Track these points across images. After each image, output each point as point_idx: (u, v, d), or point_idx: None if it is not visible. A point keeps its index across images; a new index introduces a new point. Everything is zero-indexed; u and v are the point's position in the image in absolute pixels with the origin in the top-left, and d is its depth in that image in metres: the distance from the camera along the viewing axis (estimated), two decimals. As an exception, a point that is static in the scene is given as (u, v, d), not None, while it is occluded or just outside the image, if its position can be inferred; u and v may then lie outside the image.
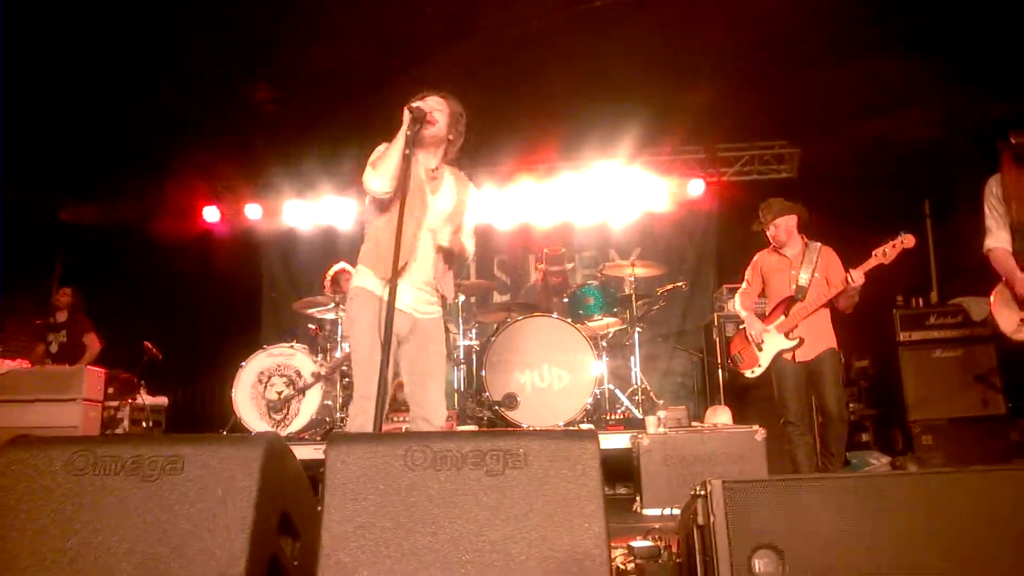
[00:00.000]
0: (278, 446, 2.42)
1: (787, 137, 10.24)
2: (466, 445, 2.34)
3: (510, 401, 6.74)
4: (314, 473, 2.52)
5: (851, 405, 7.79)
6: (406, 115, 4.00)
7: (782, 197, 5.98)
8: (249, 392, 7.08)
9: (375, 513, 2.22)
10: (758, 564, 2.22)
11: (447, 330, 7.09)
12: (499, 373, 6.90)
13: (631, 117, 9.09)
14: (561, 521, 2.24)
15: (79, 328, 8.56)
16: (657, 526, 3.13)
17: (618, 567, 2.84)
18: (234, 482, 2.23)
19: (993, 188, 4.91)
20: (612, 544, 2.25)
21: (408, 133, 3.94)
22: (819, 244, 5.81)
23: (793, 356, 5.63)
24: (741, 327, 5.99)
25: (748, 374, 5.87)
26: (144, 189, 10.03)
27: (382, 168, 4.00)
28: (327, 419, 7.18)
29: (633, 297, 7.56)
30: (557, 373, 6.87)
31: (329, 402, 7.18)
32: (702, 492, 2.33)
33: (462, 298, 7.44)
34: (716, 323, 7.94)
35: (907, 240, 5.35)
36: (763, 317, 5.89)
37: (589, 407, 6.84)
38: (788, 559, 2.21)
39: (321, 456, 2.30)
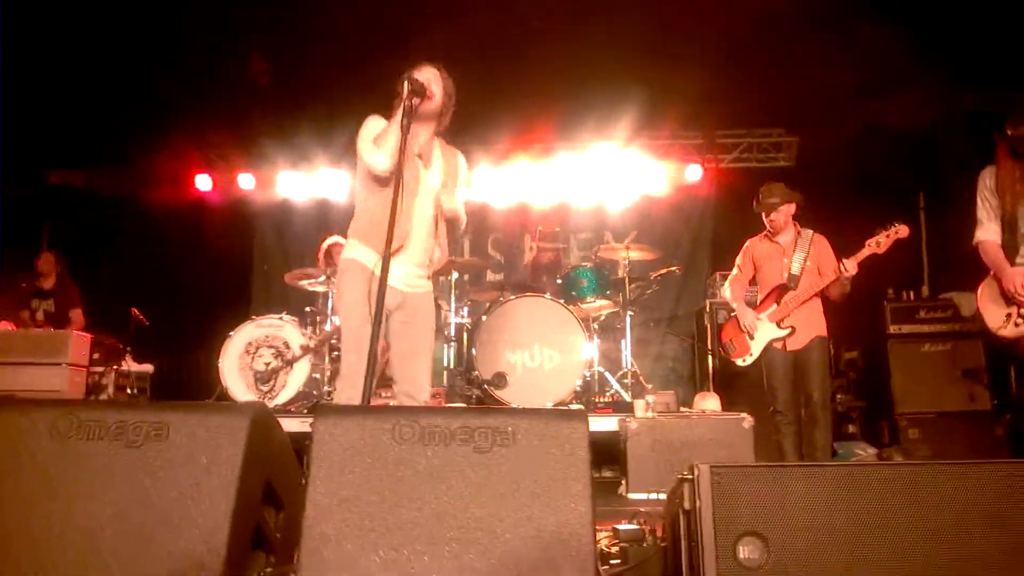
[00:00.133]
0: (264, 416, 2.41)
1: (785, 126, 10.23)
2: (455, 421, 2.33)
3: (500, 380, 6.73)
4: (299, 446, 2.50)
5: (839, 396, 7.82)
6: (405, 86, 3.96)
7: (782, 183, 5.95)
8: (236, 362, 7.05)
9: (361, 486, 2.21)
10: (743, 550, 2.21)
11: (438, 306, 7.11)
12: (490, 352, 6.88)
13: (629, 99, 9.04)
14: (547, 500, 2.23)
15: (67, 300, 8.49)
16: (643, 510, 3.12)
17: (602, 549, 2.84)
18: (219, 451, 2.22)
19: (987, 180, 4.84)
20: (597, 526, 2.25)
21: (406, 104, 3.90)
22: (811, 232, 5.79)
23: (784, 345, 5.61)
24: (733, 314, 5.97)
25: (739, 362, 5.84)
26: (136, 155, 9.96)
27: (385, 145, 3.96)
28: (314, 392, 7.16)
29: (627, 280, 7.55)
30: (548, 354, 6.86)
31: (317, 375, 7.17)
32: (689, 476, 2.32)
33: (455, 275, 7.42)
34: (708, 309, 7.94)
35: (901, 230, 5.34)
36: (754, 305, 5.88)
37: (579, 389, 6.83)
38: (773, 546, 2.21)
39: (307, 429, 2.29)
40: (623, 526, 2.89)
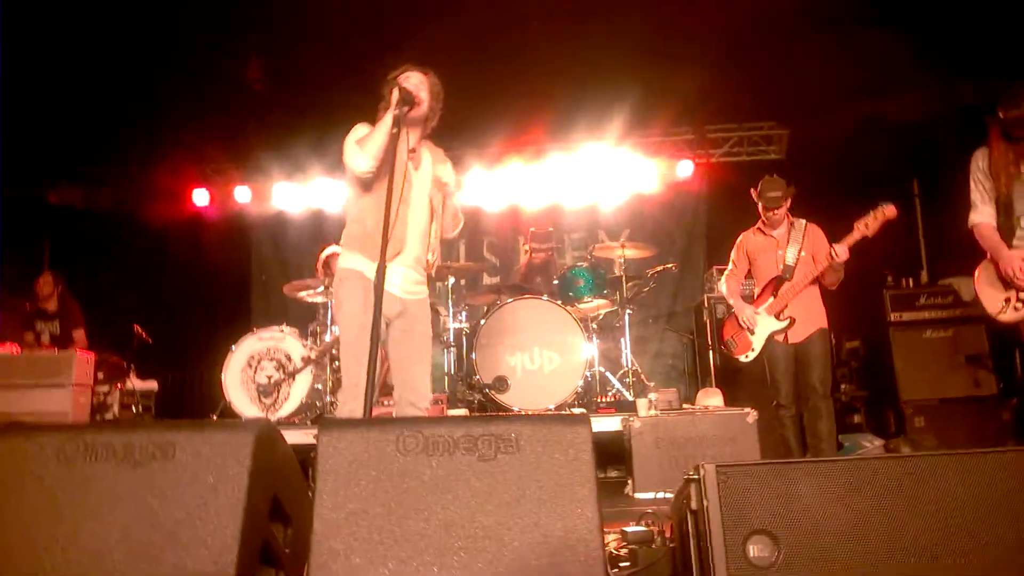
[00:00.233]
0: (269, 432, 2.41)
1: (775, 118, 10.24)
2: (458, 430, 2.33)
3: (501, 384, 6.73)
4: (304, 457, 2.51)
5: (842, 386, 7.82)
6: (393, 95, 3.96)
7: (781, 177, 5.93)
8: (239, 376, 7.05)
9: (367, 499, 2.21)
10: (753, 549, 2.21)
11: (436, 312, 7.11)
12: (489, 356, 6.88)
13: (620, 99, 9.06)
14: (554, 506, 2.23)
15: (70, 320, 8.47)
16: (650, 510, 3.13)
17: (611, 552, 2.84)
18: (225, 468, 2.22)
19: (980, 162, 4.84)
20: (605, 529, 2.25)
21: (396, 113, 3.90)
22: (804, 221, 5.78)
23: (785, 337, 5.61)
24: (731, 312, 5.95)
25: (742, 359, 5.83)
26: (133, 171, 9.99)
27: (368, 147, 3.97)
28: (317, 403, 7.15)
29: (623, 279, 7.54)
30: (548, 355, 6.86)
31: (319, 386, 7.16)
32: (695, 476, 2.33)
33: (451, 280, 7.42)
34: (706, 304, 7.95)
35: (888, 210, 5.31)
36: (751, 299, 5.87)
37: (580, 390, 6.83)
38: (783, 544, 2.21)
39: (312, 440, 2.29)
40: (631, 528, 2.90)
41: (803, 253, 5.64)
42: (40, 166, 9.36)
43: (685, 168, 10.18)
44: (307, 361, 6.97)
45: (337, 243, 7.24)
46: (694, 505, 2.32)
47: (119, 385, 8.03)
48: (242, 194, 10.62)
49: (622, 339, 7.59)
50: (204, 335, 9.17)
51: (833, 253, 5.38)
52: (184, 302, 9.98)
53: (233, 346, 7.14)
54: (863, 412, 7.84)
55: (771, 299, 5.69)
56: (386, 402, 6.48)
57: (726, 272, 6.09)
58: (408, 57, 4.30)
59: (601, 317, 7.64)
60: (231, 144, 10.35)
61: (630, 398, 6.89)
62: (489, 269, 10.46)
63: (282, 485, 2.45)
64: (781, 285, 5.66)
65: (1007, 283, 4.72)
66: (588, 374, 6.94)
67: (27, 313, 8.48)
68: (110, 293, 9.34)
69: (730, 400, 6.50)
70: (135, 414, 8.11)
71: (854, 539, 2.22)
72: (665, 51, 7.88)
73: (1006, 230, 4.74)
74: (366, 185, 4.11)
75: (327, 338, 7.33)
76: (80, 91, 8.10)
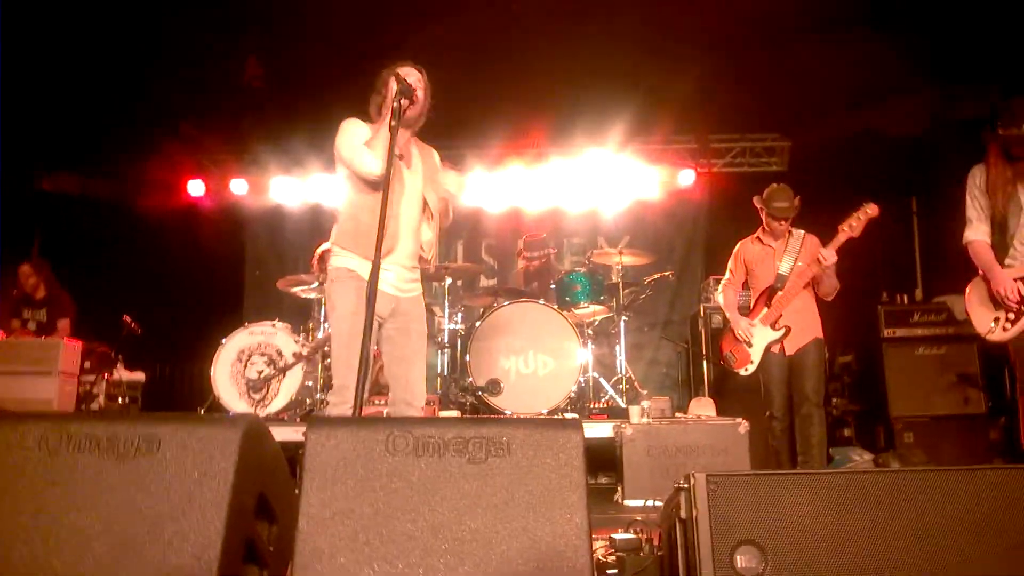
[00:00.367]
0: (257, 428, 2.39)
1: (778, 130, 10.25)
2: (448, 432, 2.31)
3: (494, 387, 6.71)
4: (292, 455, 2.48)
5: (834, 400, 7.82)
6: (392, 86, 3.93)
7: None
8: (229, 370, 7.01)
9: (354, 498, 2.19)
10: (740, 560, 2.20)
11: (431, 312, 7.09)
12: (483, 358, 6.87)
13: (622, 104, 9.06)
14: (543, 511, 2.21)
15: (57, 309, 8.39)
16: (639, 518, 3.11)
17: (599, 559, 2.82)
18: (211, 463, 2.20)
19: (977, 179, 4.81)
20: (593, 535, 2.23)
21: (395, 106, 3.87)
22: (803, 232, 5.74)
23: (781, 348, 5.58)
24: (729, 325, 5.90)
25: (742, 372, 5.76)
26: (129, 160, 9.95)
27: (377, 148, 3.94)
28: (307, 400, 7.13)
29: (620, 285, 7.53)
30: (542, 360, 6.85)
31: (310, 383, 7.14)
32: (685, 485, 2.31)
33: (448, 281, 7.40)
34: (703, 314, 7.94)
35: (871, 209, 5.29)
36: (747, 311, 5.85)
37: (573, 395, 6.82)
38: (770, 555, 2.20)
39: (300, 438, 2.27)
40: (619, 535, 2.88)
41: (799, 263, 5.60)
42: (34, 154, 9.32)
43: (687, 177, 10.18)
44: (298, 357, 6.94)
45: (334, 239, 7.24)
46: (683, 514, 2.31)
47: (106, 375, 7.99)
48: (238, 186, 10.57)
49: (617, 346, 7.58)
50: (195, 328, 9.12)
51: (820, 257, 5.35)
52: (176, 294, 9.94)
53: (224, 340, 7.10)
54: (853, 426, 7.86)
55: (765, 309, 5.66)
56: (377, 401, 6.45)
57: (723, 281, 6.06)
58: (405, 55, 4.29)
59: (597, 323, 7.63)
60: (228, 135, 10.31)
61: (623, 405, 6.89)
62: (487, 271, 10.45)
63: (268, 482, 2.42)
64: (774, 295, 5.63)
65: (997, 302, 4.70)
66: (582, 379, 6.93)
67: (14, 300, 8.42)
68: (101, 282, 9.30)
69: (723, 410, 6.49)
70: (121, 405, 8.07)
71: (841, 552, 2.22)
72: (668, 58, 7.89)
73: (1000, 248, 4.71)
74: (363, 183, 4.10)
75: (320, 335, 7.31)
76: (77, 80, 8.08)
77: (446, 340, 7.43)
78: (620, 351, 7.53)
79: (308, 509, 2.15)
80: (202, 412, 7.09)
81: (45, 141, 9.03)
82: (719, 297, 6.09)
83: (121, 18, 7.39)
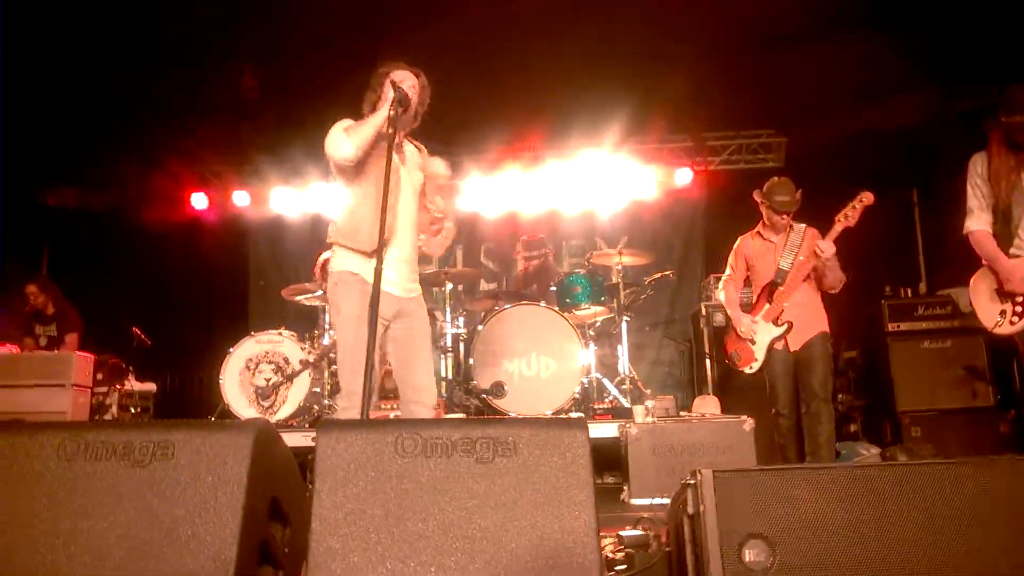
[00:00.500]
0: (268, 432, 2.42)
1: (774, 126, 10.25)
2: (456, 433, 2.34)
3: (498, 390, 6.74)
4: (302, 460, 2.52)
5: (840, 396, 7.80)
6: (387, 91, 3.96)
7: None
8: (237, 379, 7.07)
9: (365, 500, 2.22)
10: (748, 554, 2.22)
11: (433, 317, 7.11)
12: (487, 361, 6.89)
13: (617, 105, 9.07)
14: (551, 509, 2.24)
15: (65, 324, 8.46)
16: (646, 515, 3.14)
17: (607, 556, 2.85)
18: (225, 468, 2.23)
19: (979, 167, 4.75)
20: (601, 533, 2.26)
21: (391, 114, 3.90)
22: (804, 226, 5.71)
23: (785, 344, 5.56)
24: (731, 323, 5.87)
25: (747, 370, 5.74)
26: (132, 175, 9.99)
27: (355, 135, 3.97)
28: (315, 406, 7.17)
29: (620, 286, 7.54)
30: (545, 362, 6.87)
31: (317, 389, 7.18)
32: (692, 481, 2.34)
33: (449, 286, 7.43)
34: (704, 312, 7.94)
35: (866, 197, 5.26)
36: (749, 308, 5.83)
37: (577, 396, 6.84)
38: (778, 549, 2.22)
39: (310, 443, 2.31)
40: (627, 532, 2.91)
41: (800, 258, 5.57)
42: (39, 169, 9.37)
43: (683, 175, 10.18)
44: (305, 364, 6.98)
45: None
46: (691, 509, 2.33)
47: (118, 386, 8.06)
48: (240, 198, 10.63)
49: (619, 346, 7.59)
50: (202, 338, 9.18)
51: (817, 250, 5.33)
52: (183, 305, 9.99)
53: (231, 348, 7.16)
54: (859, 422, 7.85)
55: (767, 306, 5.65)
56: (383, 406, 6.49)
57: (724, 278, 6.03)
58: (408, 59, 4.32)
59: (598, 324, 7.65)
60: (229, 148, 10.36)
61: (627, 405, 6.89)
62: (487, 275, 10.47)
63: (281, 486, 2.46)
64: (775, 290, 5.62)
65: (1003, 295, 4.65)
66: (585, 381, 6.95)
67: (26, 317, 8.50)
68: (109, 296, 9.34)
69: (727, 408, 6.50)
70: (134, 415, 8.13)
71: (849, 545, 2.23)
72: (662, 56, 7.89)
73: (1004, 238, 4.65)
74: (355, 181, 4.12)
75: (325, 341, 7.35)
76: (79, 94, 8.12)
77: (449, 344, 7.46)
78: (622, 351, 7.54)
79: (321, 510, 2.19)
80: (212, 420, 7.12)
81: (49, 156, 9.07)
82: (720, 294, 6.08)
83: (122, 34, 7.43)
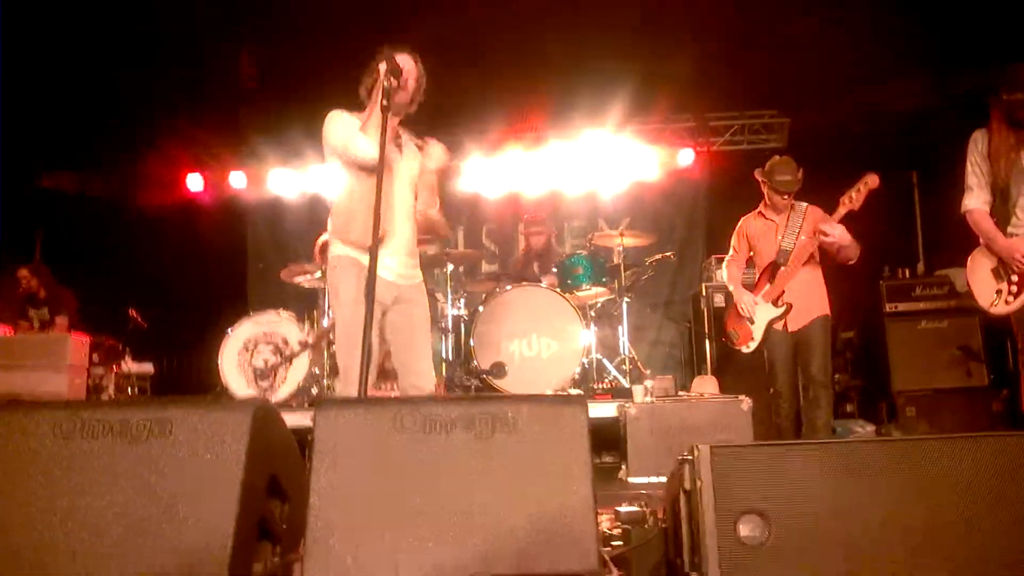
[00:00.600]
0: (267, 410, 2.42)
1: (777, 107, 10.24)
2: (455, 409, 2.34)
3: (498, 370, 6.76)
4: (301, 440, 2.52)
5: (836, 376, 7.83)
6: (382, 67, 3.95)
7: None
8: (235, 360, 7.07)
9: (364, 476, 2.22)
10: (744, 529, 2.23)
11: (434, 298, 7.12)
12: (487, 342, 6.91)
13: (620, 85, 9.06)
14: (549, 484, 2.24)
15: (56, 306, 8.49)
16: (643, 493, 3.15)
17: (604, 531, 2.86)
18: (223, 446, 2.23)
19: (979, 144, 4.71)
20: (598, 509, 2.26)
21: (385, 85, 3.88)
22: (805, 205, 5.70)
23: (785, 325, 5.56)
24: (732, 302, 5.88)
25: (744, 350, 5.76)
26: (128, 156, 9.98)
27: (372, 133, 3.95)
28: (313, 387, 7.18)
29: (622, 267, 7.55)
30: (545, 342, 6.89)
31: (316, 370, 7.19)
32: (689, 457, 2.34)
33: (450, 267, 7.44)
34: (704, 293, 7.95)
35: (871, 180, 5.25)
36: (752, 287, 5.83)
37: (577, 376, 6.87)
38: (773, 524, 2.23)
39: (308, 423, 2.30)
40: (624, 508, 2.91)
41: (802, 237, 5.56)
42: (33, 152, 9.35)
43: (686, 156, 10.17)
44: (304, 345, 6.99)
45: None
46: (687, 485, 2.34)
47: (115, 368, 8.06)
48: (237, 179, 10.61)
49: (620, 327, 7.61)
50: (200, 319, 9.17)
51: (821, 233, 5.32)
52: (180, 287, 9.98)
53: (229, 329, 7.16)
54: (856, 401, 7.89)
55: (768, 286, 5.65)
56: (383, 386, 6.49)
57: (727, 257, 6.03)
58: (402, 41, 4.30)
59: (599, 305, 7.66)
60: (226, 129, 10.33)
61: (626, 385, 6.92)
62: (488, 256, 10.47)
63: (279, 463, 2.46)
64: (777, 271, 5.60)
65: (999, 275, 4.64)
66: (585, 361, 6.97)
67: (20, 300, 8.52)
68: (105, 278, 9.35)
69: (726, 388, 6.52)
70: (131, 396, 8.14)
71: (844, 520, 2.24)
72: (665, 37, 7.89)
73: (1002, 216, 4.62)
74: (355, 170, 4.11)
75: (324, 323, 7.35)
76: (75, 75, 8.10)
77: (450, 326, 7.47)
78: (623, 332, 7.56)
79: (319, 486, 2.19)
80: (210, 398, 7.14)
81: (44, 139, 9.06)
82: (723, 273, 6.06)
83: (118, 16, 7.40)
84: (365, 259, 3.80)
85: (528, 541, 2.16)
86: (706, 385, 6.51)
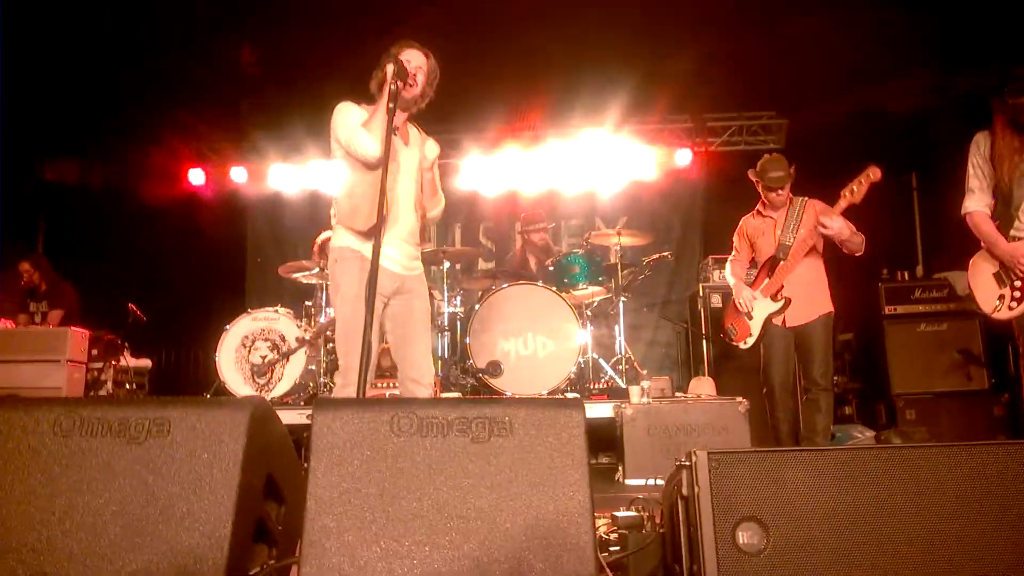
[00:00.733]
0: (264, 410, 2.42)
1: (775, 108, 10.24)
2: (452, 412, 2.33)
3: (494, 369, 6.75)
4: (297, 437, 2.52)
5: (835, 378, 7.83)
6: (389, 69, 3.95)
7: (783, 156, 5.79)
8: (233, 356, 7.06)
9: (360, 478, 2.22)
10: (742, 536, 2.22)
11: (431, 296, 7.11)
12: (483, 341, 6.90)
13: (619, 85, 9.07)
14: (546, 489, 2.24)
15: (54, 301, 8.49)
16: (640, 496, 3.14)
17: (601, 536, 2.85)
18: (221, 446, 2.23)
19: (981, 146, 4.66)
20: (595, 513, 2.26)
21: (391, 88, 3.88)
22: (804, 199, 5.65)
23: (783, 320, 5.51)
24: (731, 299, 5.84)
25: (742, 346, 5.72)
26: (129, 150, 9.96)
27: (375, 130, 3.96)
28: (311, 384, 7.18)
29: (619, 266, 7.55)
30: (541, 341, 6.88)
31: (313, 367, 7.18)
32: (687, 463, 2.34)
33: (447, 265, 7.43)
34: (701, 294, 7.95)
35: (873, 173, 5.17)
36: (751, 285, 5.80)
37: (573, 376, 6.86)
38: (772, 531, 2.22)
39: (305, 420, 2.30)
40: (621, 513, 2.91)
41: (801, 231, 5.50)
42: (35, 144, 9.34)
43: (684, 156, 10.18)
44: (301, 342, 6.99)
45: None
46: (685, 491, 2.33)
47: (113, 362, 8.06)
48: (238, 174, 10.61)
49: (616, 326, 7.61)
50: (199, 314, 9.19)
51: (821, 226, 5.26)
52: (179, 281, 9.98)
53: (227, 325, 7.15)
54: (855, 404, 7.88)
55: (767, 280, 5.59)
56: (379, 384, 6.50)
57: (730, 257, 5.99)
58: (400, 37, 4.29)
59: (596, 304, 7.66)
60: (227, 124, 10.33)
61: (623, 385, 6.91)
62: (485, 254, 10.48)
63: (276, 463, 2.46)
64: (777, 264, 5.55)
65: (1001, 280, 4.61)
66: (581, 360, 6.97)
67: (21, 293, 8.53)
68: (105, 271, 9.34)
69: (722, 389, 6.53)
70: (129, 391, 8.15)
71: (843, 527, 2.23)
72: (665, 38, 7.88)
73: (1004, 220, 4.60)
74: (361, 163, 4.11)
75: (322, 319, 7.35)
76: (77, 69, 8.08)
77: (446, 323, 7.47)
78: (619, 332, 7.56)
79: (316, 489, 2.19)
80: (208, 397, 7.13)
81: (46, 131, 9.04)
82: (726, 271, 6.01)
83: (119, 7, 7.39)
84: (367, 249, 3.82)
85: (525, 546, 2.16)
86: (703, 386, 6.52)
